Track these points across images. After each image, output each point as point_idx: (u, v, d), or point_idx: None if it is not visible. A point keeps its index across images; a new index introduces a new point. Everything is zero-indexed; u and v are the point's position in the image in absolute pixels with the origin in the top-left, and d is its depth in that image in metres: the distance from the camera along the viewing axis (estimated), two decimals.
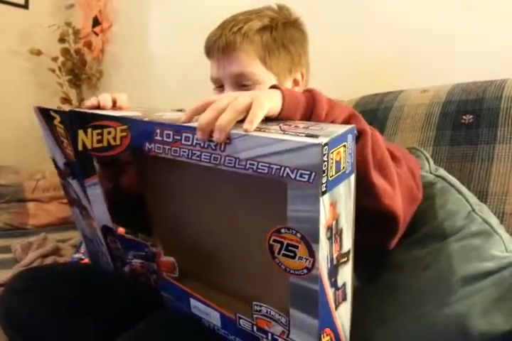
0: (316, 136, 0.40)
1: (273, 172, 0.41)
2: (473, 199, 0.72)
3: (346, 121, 0.54)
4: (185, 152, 0.48)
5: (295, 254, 0.43)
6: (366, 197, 0.51)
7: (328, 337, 0.47)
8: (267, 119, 0.47)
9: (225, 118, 0.44)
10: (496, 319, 0.58)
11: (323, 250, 0.42)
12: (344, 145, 0.42)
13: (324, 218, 0.41)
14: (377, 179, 0.53)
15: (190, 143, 0.47)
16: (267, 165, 0.42)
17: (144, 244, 0.64)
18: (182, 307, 0.62)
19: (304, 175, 0.40)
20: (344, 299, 0.49)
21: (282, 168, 0.41)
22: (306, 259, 0.43)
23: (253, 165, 0.43)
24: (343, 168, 0.43)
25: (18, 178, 1.79)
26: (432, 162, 0.79)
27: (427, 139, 0.86)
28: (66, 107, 2.15)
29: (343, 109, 0.55)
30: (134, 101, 0.68)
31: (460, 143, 0.81)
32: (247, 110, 0.45)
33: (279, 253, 0.45)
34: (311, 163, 0.39)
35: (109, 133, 0.56)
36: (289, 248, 0.44)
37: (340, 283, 0.47)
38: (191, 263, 0.61)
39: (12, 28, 2.20)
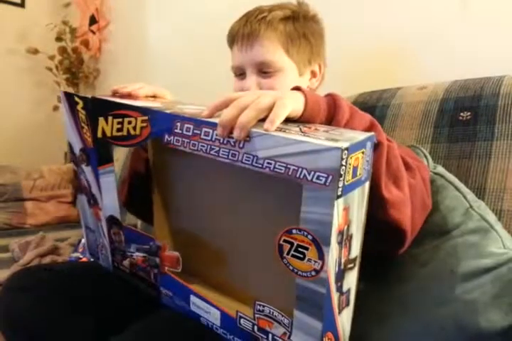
0: (336, 140, 0.40)
1: (290, 173, 0.42)
2: (471, 196, 0.72)
3: (365, 131, 0.54)
4: (203, 146, 0.48)
5: (304, 256, 0.43)
6: (375, 208, 0.51)
7: None
8: (288, 120, 0.47)
9: (246, 116, 0.44)
10: (495, 315, 0.58)
11: (333, 254, 0.42)
12: (362, 152, 0.42)
13: (337, 222, 0.41)
14: (387, 191, 0.53)
15: (209, 138, 0.48)
16: (285, 165, 0.42)
17: (150, 237, 0.64)
18: (180, 304, 0.62)
19: (320, 178, 0.40)
20: (347, 305, 0.49)
21: (299, 169, 0.41)
22: (315, 262, 0.43)
23: (270, 164, 0.43)
24: (360, 174, 0.43)
25: (15, 177, 1.78)
26: (430, 160, 0.79)
27: (425, 136, 0.86)
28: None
29: (363, 118, 0.55)
30: None
31: (458, 140, 0.81)
32: (270, 109, 0.45)
33: (288, 253, 0.45)
34: (330, 166, 0.39)
35: (129, 122, 0.57)
36: (299, 249, 0.44)
37: (345, 289, 0.47)
38: (196, 259, 0.61)
39: (9, 26, 2.20)
